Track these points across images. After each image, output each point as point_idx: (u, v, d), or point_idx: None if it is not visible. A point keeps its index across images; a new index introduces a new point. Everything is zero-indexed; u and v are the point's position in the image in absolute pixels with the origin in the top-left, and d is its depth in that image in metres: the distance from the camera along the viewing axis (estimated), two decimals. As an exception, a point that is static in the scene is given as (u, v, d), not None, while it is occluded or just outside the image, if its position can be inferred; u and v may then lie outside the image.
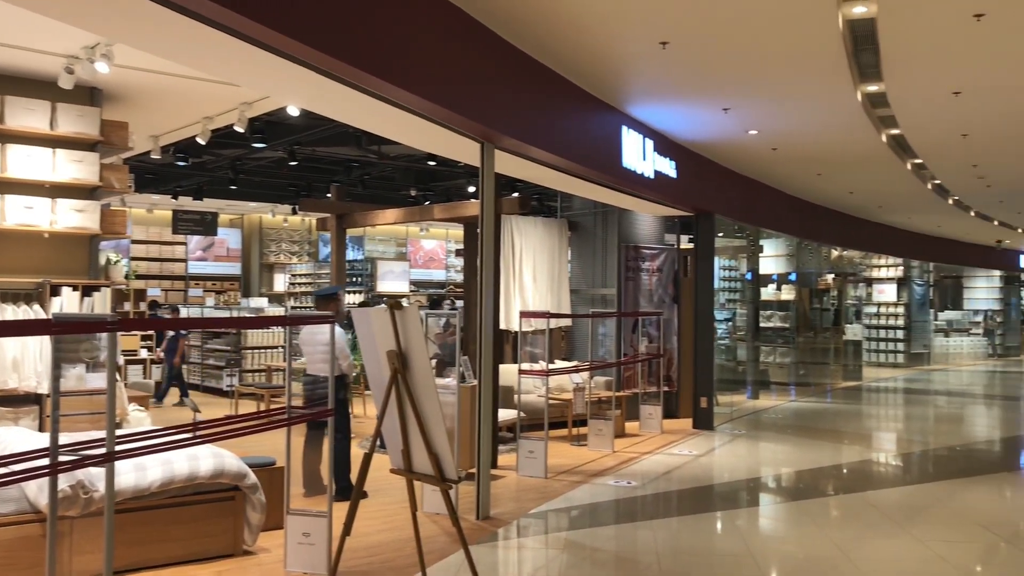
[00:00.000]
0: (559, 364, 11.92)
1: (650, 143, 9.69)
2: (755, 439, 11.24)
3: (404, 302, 5.02)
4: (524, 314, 9.36)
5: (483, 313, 7.08)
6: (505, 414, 9.59)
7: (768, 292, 18.48)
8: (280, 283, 22.55)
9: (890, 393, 18.17)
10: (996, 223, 19.51)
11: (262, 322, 11.65)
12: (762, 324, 17.61)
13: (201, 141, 9.50)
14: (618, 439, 10.48)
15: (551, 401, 10.91)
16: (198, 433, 5.09)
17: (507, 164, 7.97)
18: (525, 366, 11.60)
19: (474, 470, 7.08)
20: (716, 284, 18.67)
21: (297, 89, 6.29)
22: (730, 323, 18.34)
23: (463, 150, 7.41)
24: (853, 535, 6.52)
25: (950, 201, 15.87)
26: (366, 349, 5.07)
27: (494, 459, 8.83)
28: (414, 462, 4.95)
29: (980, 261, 27.19)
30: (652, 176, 9.77)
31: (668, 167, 10.25)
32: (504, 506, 7.30)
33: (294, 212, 20.52)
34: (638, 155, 9.34)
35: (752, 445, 10.79)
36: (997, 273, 29.26)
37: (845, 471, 9.26)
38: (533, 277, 12.46)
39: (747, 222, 13.71)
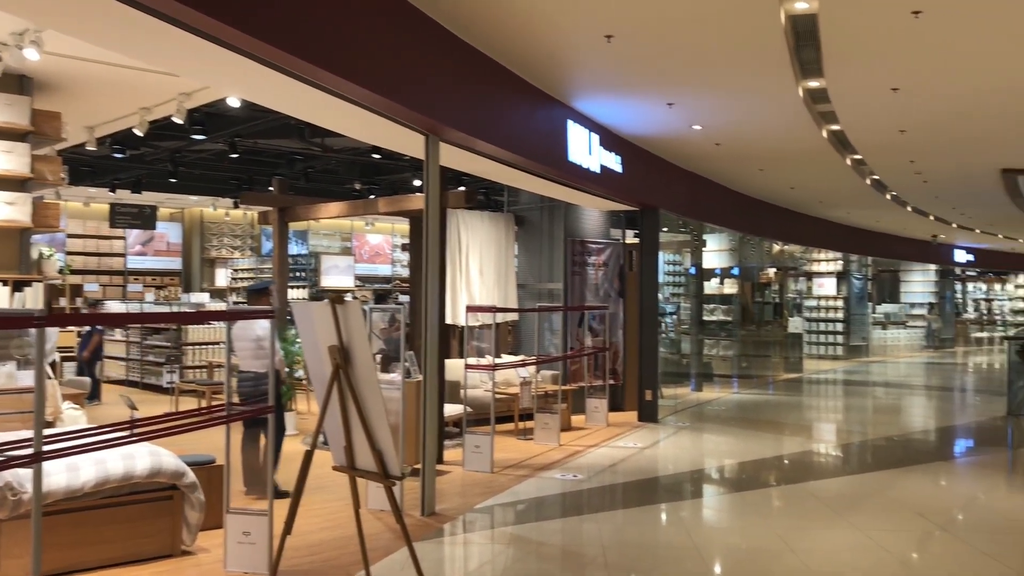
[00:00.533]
0: (506, 358, 11.91)
1: (596, 137, 9.71)
2: (699, 431, 11.36)
3: (348, 297, 4.92)
4: (471, 308, 9.33)
5: (428, 308, 7.02)
6: (451, 409, 9.55)
7: (711, 286, 18.71)
8: (222, 278, 22.18)
9: (830, 385, 18.53)
10: (932, 218, 20.00)
11: (190, 318, 11.43)
12: (706, 317, 17.82)
13: (139, 132, 9.25)
14: (564, 432, 10.50)
15: (498, 395, 10.89)
16: (134, 431, 4.95)
17: (453, 157, 7.91)
18: (472, 361, 11.58)
19: (420, 466, 7.03)
20: (661, 278, 18.90)
21: (236, 79, 6.16)
22: (675, 316, 18.53)
23: (408, 143, 7.33)
24: (795, 525, 6.62)
25: (888, 196, 16.21)
26: (307, 344, 4.99)
27: (440, 454, 8.78)
28: (357, 459, 4.88)
29: (916, 256, 27.87)
30: (598, 171, 9.79)
31: (614, 162, 10.28)
32: (450, 501, 7.25)
33: (236, 206, 20.18)
34: (584, 149, 9.34)
35: (696, 437, 10.90)
36: (933, 267, 30.03)
37: (787, 462, 9.40)
38: (480, 271, 12.42)
39: (691, 217, 13.85)
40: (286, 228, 11.45)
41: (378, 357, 10.23)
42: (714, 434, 11.31)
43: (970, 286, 35.33)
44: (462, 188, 13.38)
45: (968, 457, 10.21)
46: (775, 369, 19.83)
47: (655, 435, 10.76)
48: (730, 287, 19.05)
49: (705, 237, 17.61)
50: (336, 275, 18.38)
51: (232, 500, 5.46)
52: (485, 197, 15.64)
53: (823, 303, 24.88)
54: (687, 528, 6.65)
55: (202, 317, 10.88)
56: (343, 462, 4.97)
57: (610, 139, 10.23)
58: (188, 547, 5.62)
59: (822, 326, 24.81)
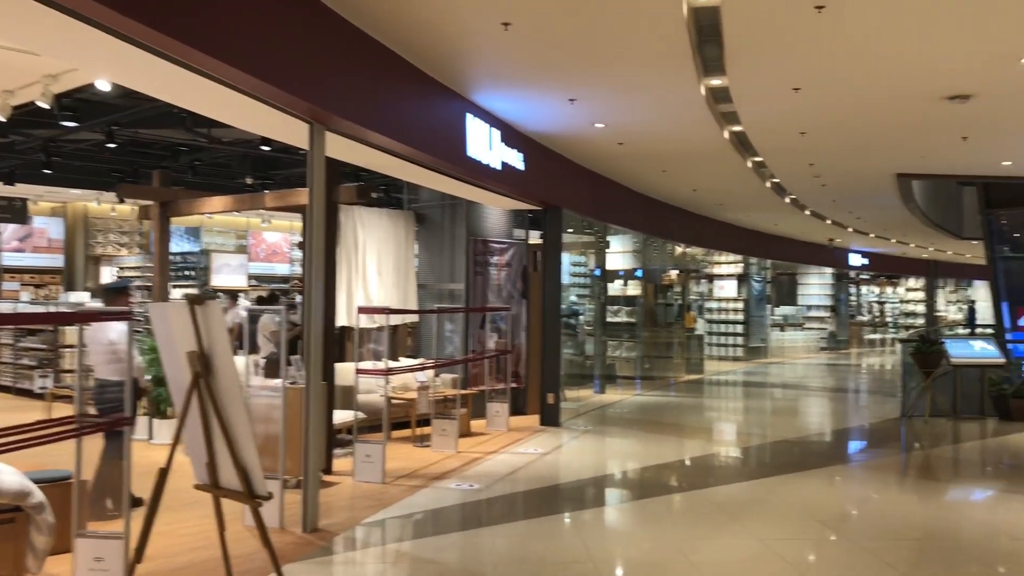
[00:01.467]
0: (404, 362, 11.47)
1: (497, 133, 9.37)
2: (601, 435, 11.15)
3: (242, 297, 4.42)
4: (362, 310, 8.84)
5: (312, 308, 6.54)
6: (343, 415, 9.06)
7: (615, 288, 18.63)
8: (107, 276, 21.01)
9: (730, 386, 18.67)
10: (829, 222, 20.39)
11: (36, 319, 10.59)
12: (609, 319, 17.72)
13: (1, 117, 8.46)
14: (463, 439, 10.12)
15: (394, 401, 10.44)
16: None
17: (343, 149, 7.44)
18: (368, 365, 11.09)
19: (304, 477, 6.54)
20: (565, 279, 18.73)
21: (103, 60, 5.59)
22: (579, 318, 18.39)
23: (292, 132, 6.83)
24: (695, 535, 6.39)
25: (787, 200, 16.38)
26: (164, 349, 4.48)
27: (329, 464, 8.29)
28: (220, 476, 4.40)
29: (813, 259, 28.54)
30: (499, 167, 9.45)
31: (515, 159, 9.96)
32: (336, 516, 6.79)
33: (121, 201, 19.10)
34: (484, 145, 8.99)
35: (598, 441, 10.67)
36: (828, 270, 30.82)
37: (688, 466, 9.23)
38: (378, 271, 11.93)
39: (595, 217, 13.66)
40: (167, 223, 10.74)
41: (262, 362, 9.70)
42: (616, 438, 11.10)
43: (863, 289, 36.44)
44: (358, 183, 12.84)
45: (865, 460, 10.25)
46: (677, 371, 19.90)
47: (557, 440, 10.49)
48: (634, 289, 19.00)
49: (609, 239, 17.51)
50: (228, 274, 17.57)
51: (85, 522, 4.90)
52: (385, 194, 15.14)
53: (723, 305, 25.20)
54: (585, 540, 6.35)
55: (49, 319, 10.06)
56: (205, 480, 4.48)
57: (512, 135, 9.91)
58: (34, 574, 5.02)
59: (723, 328, 25.12)
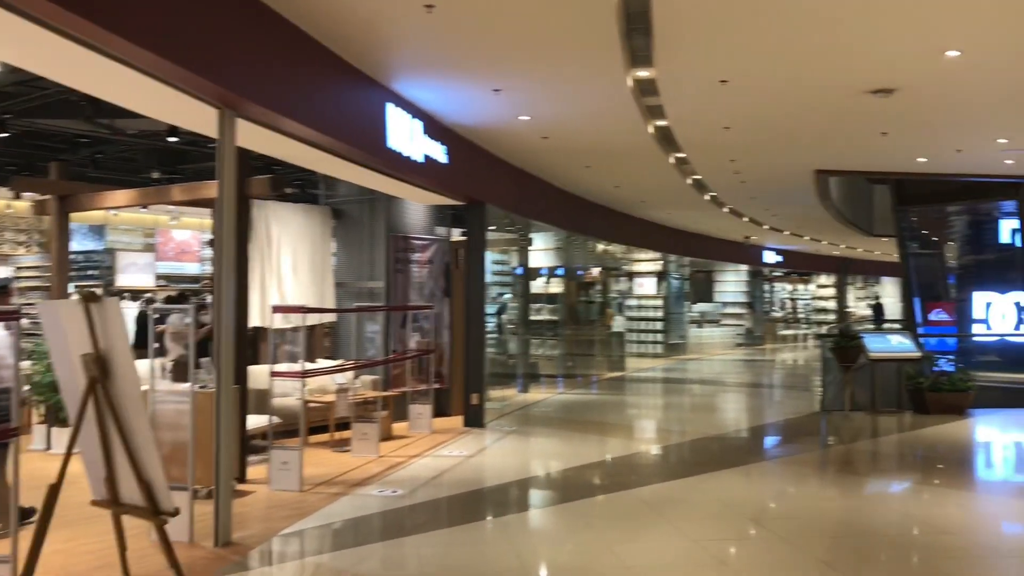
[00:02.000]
0: (322, 363, 11.04)
1: (419, 124, 9.04)
2: (526, 435, 10.92)
3: (152, 298, 3.99)
4: (277, 309, 8.41)
5: (223, 308, 6.12)
6: (258, 420, 8.62)
7: (538, 285, 18.47)
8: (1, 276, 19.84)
9: (652, 383, 18.71)
10: (746, 219, 20.63)
11: None
12: (532, 317, 17.54)
13: None
14: (385, 442, 9.77)
15: (312, 404, 10.02)
16: None
17: (255, 138, 7.03)
18: (284, 367, 10.63)
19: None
20: (488, 277, 18.49)
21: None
22: (502, 316, 18.17)
23: (201, 118, 6.38)
24: (626, 536, 6.20)
25: (707, 197, 16.45)
26: (56, 352, 4.04)
27: (243, 472, 7.85)
28: (121, 491, 3.99)
29: (730, 256, 28.95)
30: (422, 160, 9.12)
31: (438, 152, 9.65)
32: (251, 527, 6.39)
33: (17, 196, 18.04)
34: (406, 136, 8.65)
35: (523, 441, 10.44)
36: (744, 268, 31.33)
37: (614, 466, 9.07)
38: (293, 269, 11.47)
39: (518, 213, 13.43)
40: (66, 219, 10.08)
41: (170, 364, 9.17)
42: (541, 437, 10.90)
43: (777, 286, 37.23)
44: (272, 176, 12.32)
45: (789, 455, 10.26)
46: (599, 368, 19.86)
47: (481, 441, 10.22)
48: (556, 286, 18.87)
49: (532, 235, 17.33)
50: (135, 273, 16.76)
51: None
52: (301, 190, 14.63)
53: (644, 302, 25.32)
54: (515, 546, 6.09)
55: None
56: (104, 495, 4.06)
57: (434, 127, 9.59)
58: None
59: (643, 325, 25.24)
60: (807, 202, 16.94)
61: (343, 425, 9.62)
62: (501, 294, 19.52)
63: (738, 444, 10.93)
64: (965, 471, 9.50)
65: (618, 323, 24.26)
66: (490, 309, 17.19)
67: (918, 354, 13.15)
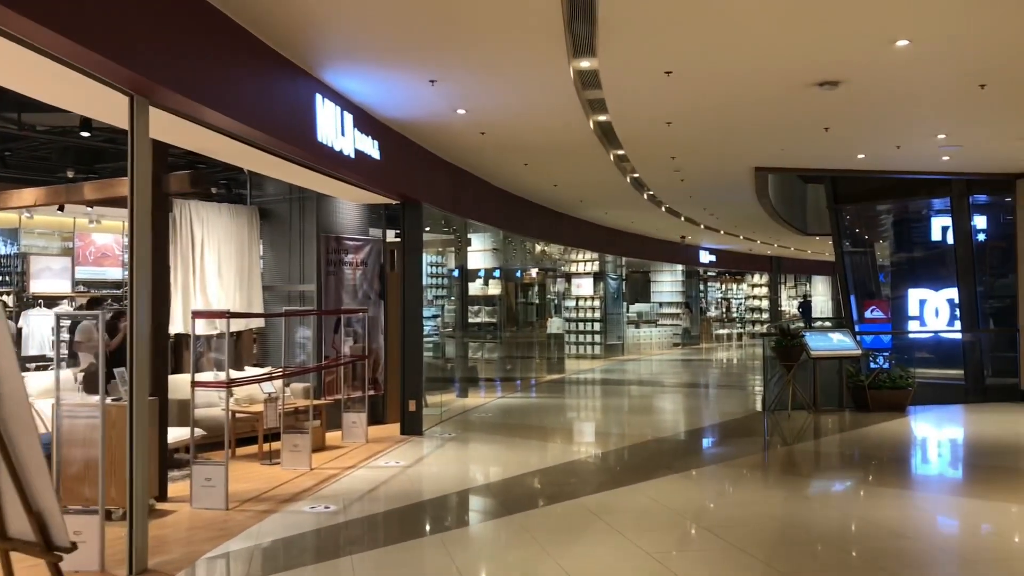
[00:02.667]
0: (250, 371, 10.50)
1: (350, 117, 8.58)
2: (465, 442, 10.53)
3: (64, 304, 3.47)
4: (197, 314, 7.83)
5: (139, 313, 5.60)
6: (180, 433, 8.06)
7: (476, 287, 18.08)
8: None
9: (591, 385, 18.48)
10: (683, 218, 20.56)
11: None
12: (470, 320, 17.15)
13: None
14: (318, 453, 9.28)
15: (239, 415, 9.48)
16: None
17: (174, 130, 6.51)
18: (209, 375, 10.06)
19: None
20: (424, 280, 18.04)
21: None
22: (438, 319, 17.74)
23: (110, 107, 5.83)
24: (575, 551, 5.85)
25: (646, 196, 16.29)
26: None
27: (163, 490, 7.29)
28: (8, 526, 3.48)
29: (666, 256, 28.98)
30: (352, 155, 8.66)
31: (371, 147, 9.20)
32: (171, 551, 5.87)
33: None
34: (335, 130, 8.19)
35: (462, 449, 10.04)
36: (680, 268, 31.41)
37: (557, 473, 8.72)
38: (218, 272, 10.89)
39: (454, 213, 13.02)
40: (-32, 220, 9.34)
41: (80, 375, 8.53)
42: (481, 444, 10.51)
43: (711, 286, 37.51)
44: (191, 171, 11.71)
45: (734, 458, 10.03)
46: (538, 371, 19.56)
47: (419, 450, 9.79)
48: (494, 288, 18.50)
49: (470, 236, 16.95)
50: (49, 278, 15.82)
51: None
52: (227, 189, 13.97)
53: (582, 303, 25.12)
54: (456, 562, 5.68)
55: None
56: (-11, 530, 3.54)
57: (367, 121, 9.14)
58: None
59: (581, 326, 25.04)
60: (744, 200, 16.92)
61: (274, 436, 9.09)
62: (438, 296, 19.09)
63: (681, 447, 10.70)
64: (908, 470, 9.42)
65: (556, 324, 24.03)
66: (427, 312, 16.77)
67: (858, 351, 13.13)
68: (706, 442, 11.03)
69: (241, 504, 7.16)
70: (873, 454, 10.01)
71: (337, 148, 8.24)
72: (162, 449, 7.24)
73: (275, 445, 8.97)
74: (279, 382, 9.20)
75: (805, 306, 37.54)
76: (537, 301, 23.29)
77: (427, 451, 9.74)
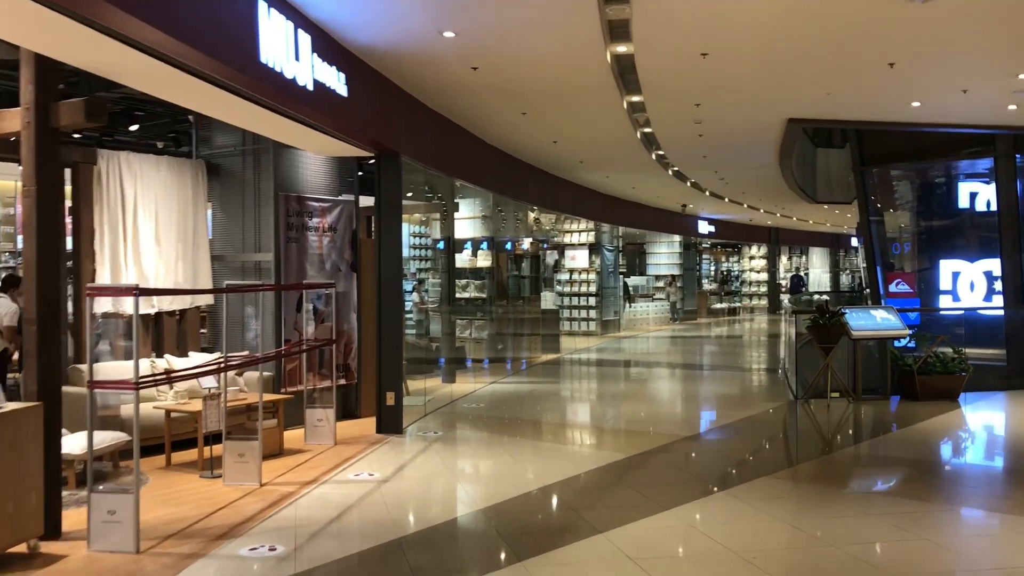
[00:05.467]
0: (197, 358, 8.70)
1: (307, 39, 6.69)
2: (453, 443, 8.76)
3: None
4: (93, 291, 5.82)
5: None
6: (103, 438, 6.22)
7: (463, 259, 16.22)
8: None
9: (591, 366, 16.71)
10: (690, 183, 18.77)
11: None
12: (457, 295, 15.33)
13: None
14: (273, 460, 7.54)
15: (175, 414, 7.68)
16: None
17: (73, 43, 4.69)
18: (145, 364, 8.29)
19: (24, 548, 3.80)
20: (405, 251, 16.19)
21: None
22: (425, 294, 15.98)
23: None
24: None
25: (654, 156, 14.48)
26: None
27: (56, 525, 5.48)
28: None
29: (665, 226, 27.23)
30: (311, 87, 6.79)
31: (335, 79, 7.32)
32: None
33: None
34: (286, 50, 6.31)
35: (450, 454, 8.24)
36: (677, 239, 29.65)
37: (572, 492, 6.94)
38: (156, 238, 9.03)
39: (440, 171, 11.11)
40: None
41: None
42: (473, 447, 8.75)
43: (707, 257, 35.80)
44: (90, 98, 9.79)
45: (792, 469, 8.32)
46: (531, 350, 17.78)
47: (399, 455, 8.01)
48: (484, 260, 16.65)
49: (457, 201, 15.09)
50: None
51: None
52: (174, 143, 12.05)
53: (576, 276, 23.29)
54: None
55: None
56: None
57: (330, 47, 7.26)
58: None
59: (575, 301, 23.23)
60: (762, 161, 15.20)
61: (219, 437, 7.27)
62: (422, 269, 17.25)
63: (714, 451, 8.89)
64: (1013, 485, 7.73)
65: (548, 299, 22.22)
66: (407, 286, 14.97)
67: (905, 331, 11.42)
68: (743, 443, 9.20)
69: (158, 543, 5.37)
70: (956, 460, 8.33)
71: (289, 75, 6.37)
72: (51, 470, 5.41)
73: (220, 450, 7.15)
74: (225, 374, 7.35)
75: (795, 279, 35.84)
76: (529, 274, 21.49)
77: (408, 457, 7.96)
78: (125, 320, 8.81)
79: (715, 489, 6.86)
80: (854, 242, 40.83)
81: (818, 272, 41.38)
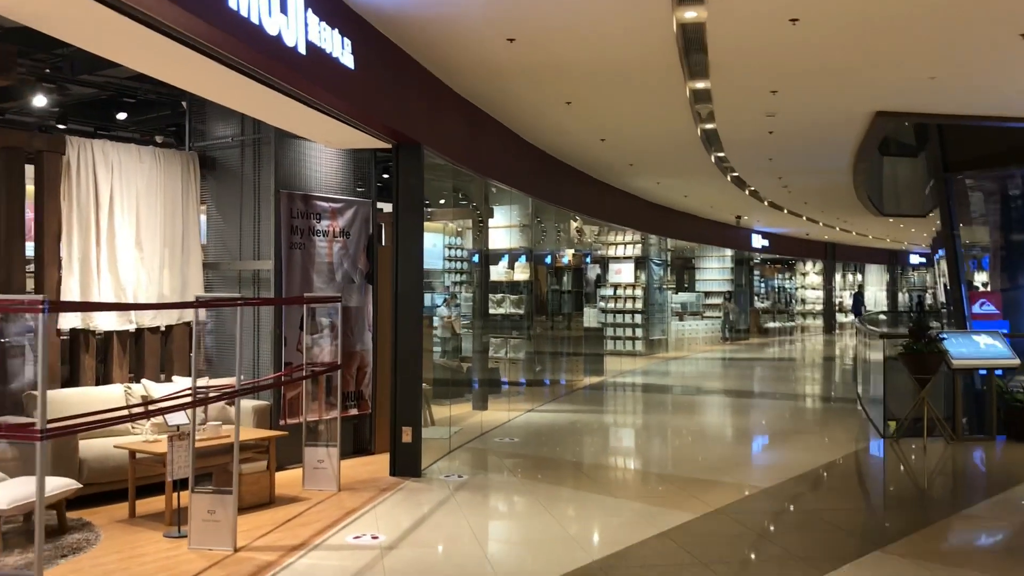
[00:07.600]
0: (180, 383, 7.38)
1: (298, -10, 5.32)
2: (481, 492, 7.26)
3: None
4: (56, 306, 4.45)
5: None
6: (55, 484, 4.89)
7: (499, 271, 14.75)
8: None
9: (641, 392, 15.12)
10: (748, 191, 17.17)
11: None
12: (491, 310, 13.87)
13: None
14: (259, 512, 6.13)
15: (140, 454, 6.33)
16: None
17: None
18: (117, 389, 7.00)
19: None
20: (439, 263, 14.76)
21: None
22: (457, 308, 14.57)
23: None
24: None
25: (713, 158, 12.96)
26: None
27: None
28: None
29: (716, 239, 25.58)
30: (302, 50, 5.39)
31: (337, 46, 5.93)
32: None
33: None
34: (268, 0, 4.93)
35: (478, 509, 6.74)
36: (729, 253, 27.98)
37: (640, 569, 5.42)
38: (136, 242, 7.72)
39: (469, 168, 9.62)
40: None
41: None
42: (507, 496, 7.25)
43: (756, 274, 34.04)
44: None
45: (908, 538, 6.71)
46: (573, 372, 16.25)
47: (412, 509, 6.55)
48: (520, 273, 15.17)
49: (491, 207, 13.64)
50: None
51: None
52: (175, 136, 10.78)
53: (620, 292, 21.72)
54: None
55: None
56: None
57: (334, 7, 5.88)
58: None
59: (619, 318, 21.66)
60: (834, 166, 13.62)
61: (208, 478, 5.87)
62: (456, 283, 15.84)
63: (806, 514, 7.07)
64: None
65: (591, 316, 20.67)
66: (437, 301, 13.59)
67: (1016, 360, 9.72)
68: (837, 500, 7.52)
69: (72, 647, 3.96)
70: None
71: (271, 30, 4.98)
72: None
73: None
74: (200, 409, 5.97)
75: (857, 298, 34.09)
76: (571, 289, 19.99)
77: (424, 510, 6.49)
78: (99, 337, 7.52)
79: (820, 565, 5.27)
80: (913, 259, 38.86)
81: (874, 290, 39.41)
